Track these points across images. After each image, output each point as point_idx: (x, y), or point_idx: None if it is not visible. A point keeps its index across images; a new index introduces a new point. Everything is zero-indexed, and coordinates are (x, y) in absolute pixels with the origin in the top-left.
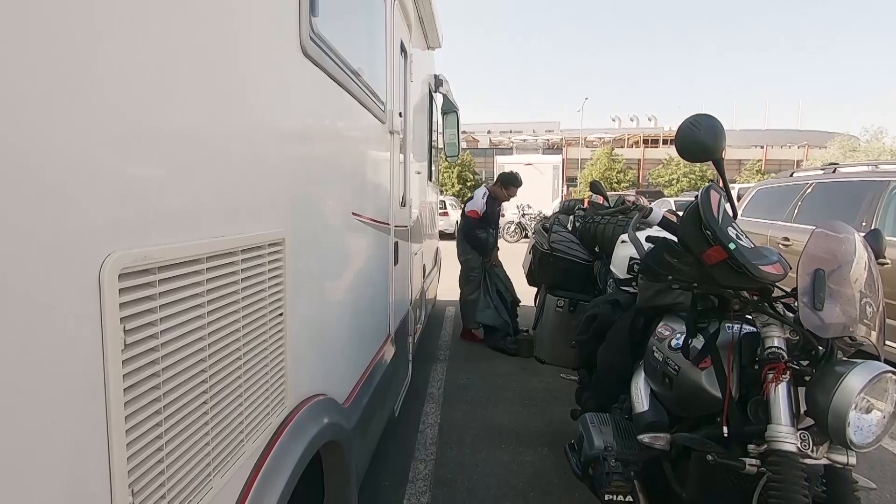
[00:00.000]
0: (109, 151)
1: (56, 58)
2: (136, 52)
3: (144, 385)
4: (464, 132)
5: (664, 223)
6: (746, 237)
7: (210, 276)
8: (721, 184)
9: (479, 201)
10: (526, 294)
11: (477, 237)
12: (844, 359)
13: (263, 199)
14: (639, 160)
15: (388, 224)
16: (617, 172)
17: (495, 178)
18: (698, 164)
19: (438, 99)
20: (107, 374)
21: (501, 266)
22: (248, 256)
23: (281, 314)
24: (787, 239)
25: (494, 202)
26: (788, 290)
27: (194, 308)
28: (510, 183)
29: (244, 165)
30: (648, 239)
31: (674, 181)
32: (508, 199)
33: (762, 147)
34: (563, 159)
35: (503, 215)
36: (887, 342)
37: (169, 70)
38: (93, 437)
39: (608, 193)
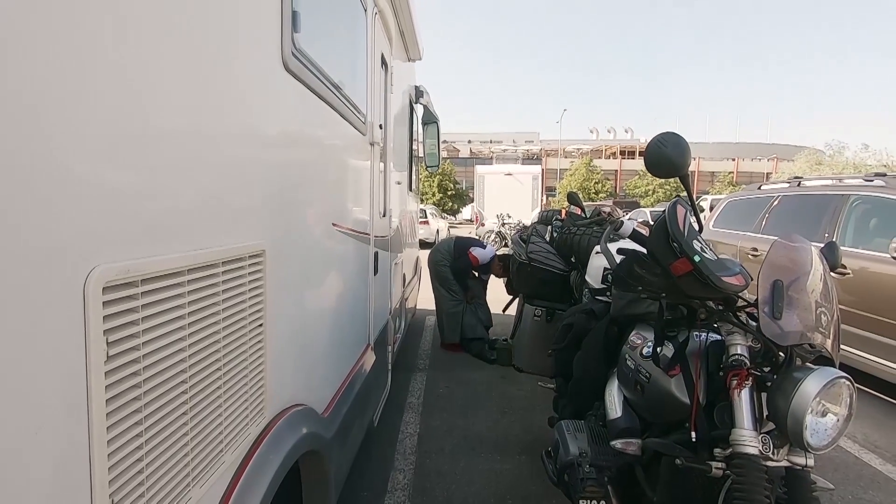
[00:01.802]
0: (94, 167)
1: (41, 71)
2: (120, 68)
3: (126, 396)
4: (444, 142)
5: (634, 236)
6: (711, 250)
7: (191, 289)
8: (688, 198)
9: (486, 255)
10: (499, 303)
11: (464, 276)
12: (802, 365)
13: (244, 212)
14: (616, 171)
15: (369, 234)
16: (595, 183)
17: (502, 258)
18: None
19: (419, 110)
20: (90, 386)
21: (483, 300)
22: (229, 268)
23: (261, 325)
24: (755, 249)
25: (488, 266)
26: (751, 300)
27: (175, 320)
28: (509, 272)
29: (226, 179)
30: (620, 251)
31: (650, 192)
32: (501, 278)
33: (734, 159)
34: (543, 169)
35: (483, 224)
36: (853, 350)
37: (153, 86)
38: (75, 447)
39: (586, 204)
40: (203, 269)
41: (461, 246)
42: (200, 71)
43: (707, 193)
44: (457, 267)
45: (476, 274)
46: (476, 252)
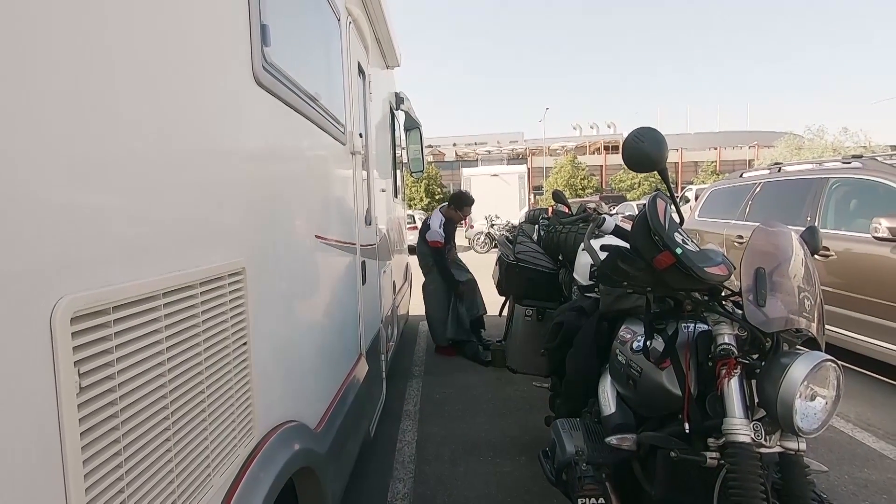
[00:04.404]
0: (57, 191)
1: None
2: (86, 87)
3: (102, 427)
4: (429, 146)
5: (617, 231)
6: (692, 241)
7: (168, 312)
8: (668, 191)
9: (437, 232)
10: (493, 305)
11: (445, 267)
12: (789, 350)
13: (221, 230)
14: (601, 166)
15: (354, 244)
16: (581, 179)
17: (448, 201)
18: None
19: (400, 116)
20: (62, 421)
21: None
22: (208, 289)
23: (245, 343)
24: (740, 237)
25: (451, 224)
26: (736, 288)
27: (152, 345)
28: (463, 203)
29: (200, 198)
30: (603, 247)
31: (635, 185)
32: (465, 218)
33: (716, 149)
34: (528, 168)
35: (472, 226)
36: (841, 330)
37: (121, 106)
38: (50, 485)
39: (573, 200)
40: (179, 291)
41: (424, 238)
42: (170, 89)
43: (691, 184)
44: (437, 260)
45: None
46: (431, 237)
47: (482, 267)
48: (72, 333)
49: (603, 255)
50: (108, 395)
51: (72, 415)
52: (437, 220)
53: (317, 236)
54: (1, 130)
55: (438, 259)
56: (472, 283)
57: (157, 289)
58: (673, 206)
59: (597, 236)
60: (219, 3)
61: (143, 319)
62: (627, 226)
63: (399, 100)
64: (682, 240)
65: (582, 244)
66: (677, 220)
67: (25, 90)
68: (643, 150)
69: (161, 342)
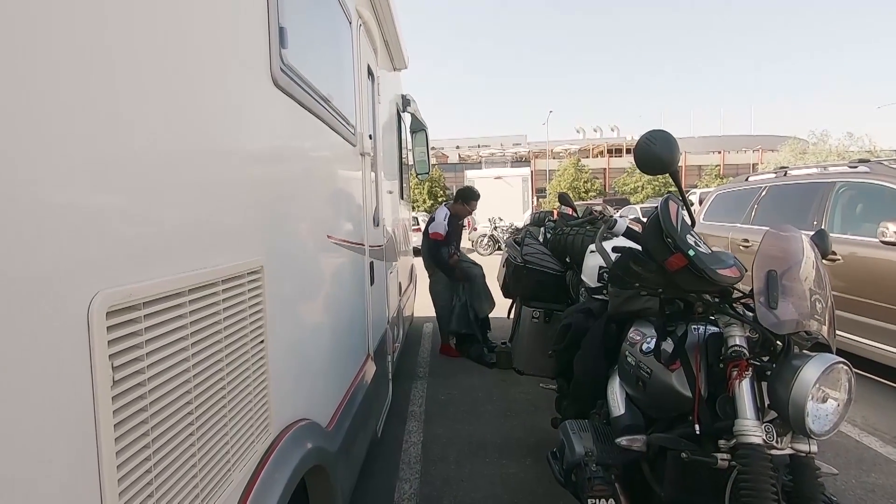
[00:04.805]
0: (92, 191)
1: (30, 93)
2: (110, 89)
3: (133, 420)
4: (433, 148)
5: (629, 233)
6: (704, 243)
7: (193, 309)
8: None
9: (441, 223)
10: (501, 307)
11: (443, 259)
12: (800, 352)
13: (242, 229)
14: (604, 169)
15: (363, 244)
16: (584, 182)
17: (454, 196)
18: None
19: (407, 118)
20: (97, 413)
21: (465, 260)
22: (229, 286)
23: (262, 341)
24: (746, 240)
25: (456, 219)
26: (746, 291)
27: (178, 341)
28: (470, 197)
29: (223, 197)
30: (615, 249)
31: (639, 189)
32: (471, 213)
33: (720, 152)
34: (532, 171)
35: (475, 228)
36: (848, 334)
37: (147, 109)
38: (84, 473)
39: (576, 203)
40: (204, 288)
41: (428, 236)
42: (191, 92)
43: (695, 187)
44: (433, 254)
45: (453, 252)
46: (434, 229)
47: (486, 268)
48: (107, 328)
49: (614, 257)
50: (138, 388)
51: (106, 407)
52: (441, 213)
53: (328, 236)
54: (40, 135)
55: (434, 251)
56: (481, 280)
57: (184, 286)
58: (684, 209)
59: (607, 238)
60: (239, 5)
61: (171, 315)
62: (638, 228)
63: (406, 101)
64: (695, 242)
65: (591, 246)
66: (689, 222)
67: (55, 95)
68: (654, 153)
69: (186, 338)
